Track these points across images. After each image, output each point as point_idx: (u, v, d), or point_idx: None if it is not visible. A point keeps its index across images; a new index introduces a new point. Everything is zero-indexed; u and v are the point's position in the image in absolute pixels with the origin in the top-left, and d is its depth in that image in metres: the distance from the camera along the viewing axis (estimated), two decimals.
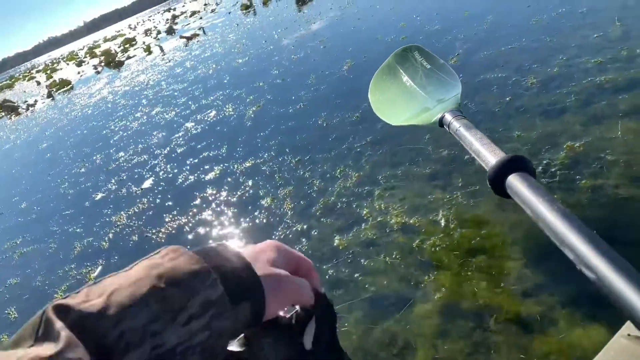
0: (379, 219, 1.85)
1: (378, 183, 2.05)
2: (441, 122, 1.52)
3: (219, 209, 2.38)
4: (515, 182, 1.03)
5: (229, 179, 2.62)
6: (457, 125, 1.42)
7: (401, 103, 1.84)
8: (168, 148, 3.55)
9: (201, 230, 2.27)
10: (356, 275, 1.62)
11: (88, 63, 17.06)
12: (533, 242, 1.46)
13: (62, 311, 0.30)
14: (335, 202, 2.05)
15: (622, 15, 2.45)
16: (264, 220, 2.13)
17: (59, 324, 0.29)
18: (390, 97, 1.91)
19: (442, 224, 1.69)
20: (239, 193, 2.44)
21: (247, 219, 2.19)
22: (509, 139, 1.95)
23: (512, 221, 1.59)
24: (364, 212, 1.91)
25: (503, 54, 2.59)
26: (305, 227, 1.98)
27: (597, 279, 0.71)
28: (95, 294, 0.32)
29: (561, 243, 0.82)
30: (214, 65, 6.03)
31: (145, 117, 4.94)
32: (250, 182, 2.49)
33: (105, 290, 0.33)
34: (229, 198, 2.43)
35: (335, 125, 2.72)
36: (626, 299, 0.65)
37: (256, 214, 2.20)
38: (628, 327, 0.73)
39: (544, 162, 1.77)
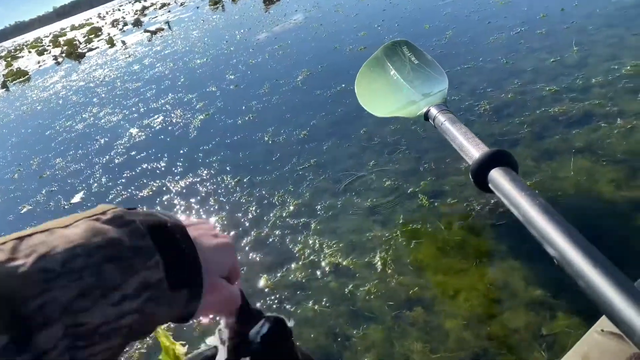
0: (311, 258, 1.66)
1: (316, 214, 1.87)
2: (426, 116, 1.50)
3: None
4: (497, 176, 1.02)
5: (163, 198, 2.39)
6: (442, 119, 1.40)
7: (387, 95, 1.81)
8: (107, 156, 3.28)
9: None
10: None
11: (50, 52, 16.30)
12: (478, 297, 1.31)
13: None
14: (269, 234, 1.85)
15: (580, 39, 2.34)
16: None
17: None
18: (376, 89, 1.88)
19: (379, 268, 1.53)
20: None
21: None
22: (456, 171, 1.80)
23: (456, 269, 1.44)
24: (297, 248, 1.73)
25: (458, 74, 2.45)
26: None
27: (574, 272, 0.72)
28: (23, 253, 0.28)
29: (541, 237, 0.81)
30: (171, 65, 5.74)
31: (92, 119, 4.62)
32: (183, 204, 2.28)
33: (35, 249, 0.28)
34: None
35: (281, 143, 2.52)
36: (602, 294, 0.65)
37: None
38: (601, 323, 0.73)
39: (492, 201, 1.62)
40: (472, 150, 1.19)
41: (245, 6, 9.04)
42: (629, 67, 1.98)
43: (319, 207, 1.90)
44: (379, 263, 1.53)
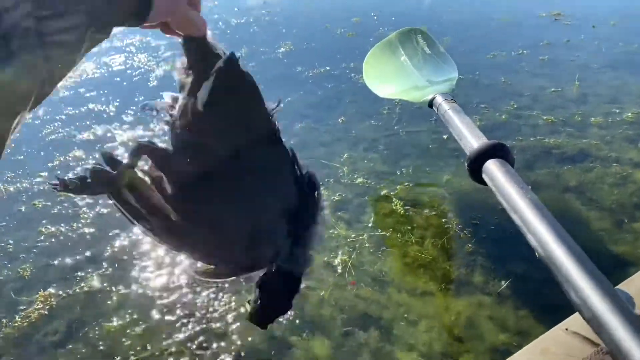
0: None
1: None
2: (431, 103, 1.53)
3: None
4: (492, 167, 1.05)
5: (105, 147, 2.14)
6: (445, 107, 1.43)
7: (394, 78, 1.83)
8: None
9: (42, 204, 1.78)
10: (225, 328, 1.27)
11: None
12: (440, 330, 1.18)
13: None
14: None
15: (583, 75, 2.28)
16: None
17: None
18: (384, 70, 1.89)
19: (338, 271, 1.38)
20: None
21: (103, 202, 1.74)
22: (437, 182, 1.68)
23: (421, 290, 1.31)
24: None
25: None
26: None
27: (554, 266, 0.75)
28: None
29: (527, 230, 0.84)
30: None
31: None
32: (125, 157, 2.03)
33: None
34: None
35: None
36: (578, 289, 0.67)
37: None
38: (567, 323, 0.77)
39: (472, 222, 1.51)
40: (472, 140, 1.21)
41: None
42: (630, 114, 1.93)
43: None
44: (339, 266, 1.38)
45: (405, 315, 1.23)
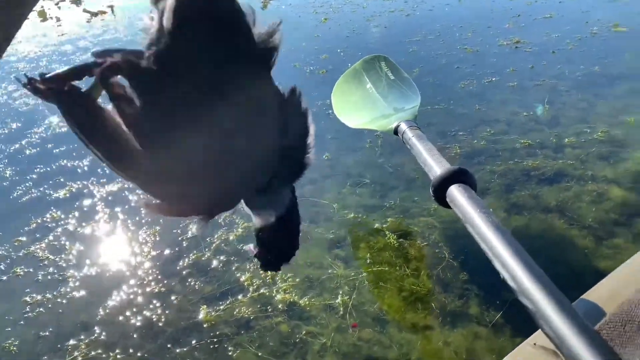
0: (261, 291, 1.52)
1: None
2: (396, 131, 1.60)
3: (58, 242, 1.88)
4: (455, 192, 1.10)
5: (83, 203, 2.13)
6: (410, 135, 1.50)
7: (362, 107, 1.89)
8: (17, 145, 2.92)
9: (23, 271, 1.76)
10: None
11: None
12: None
13: None
14: (212, 258, 1.68)
15: (551, 98, 2.44)
16: (111, 269, 1.69)
17: None
18: (352, 100, 1.96)
19: (339, 313, 1.41)
20: (90, 224, 1.96)
21: (93, 260, 1.73)
22: (424, 212, 1.75)
23: (421, 325, 1.35)
24: (245, 277, 1.58)
25: (428, 114, 2.45)
26: (163, 288, 1.58)
27: (517, 288, 0.79)
28: None
29: (491, 253, 0.89)
30: None
31: (4, 97, 4.16)
32: (108, 212, 2.03)
33: None
34: (76, 228, 1.95)
35: None
36: (540, 309, 0.73)
37: (103, 259, 1.75)
38: (535, 338, 0.80)
39: (465, 250, 1.58)
40: (435, 166, 1.26)
41: None
42: (600, 133, 2.07)
43: None
44: (340, 308, 1.42)
45: (408, 355, 1.26)
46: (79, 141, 0.79)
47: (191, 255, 1.71)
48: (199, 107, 0.77)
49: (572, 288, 1.11)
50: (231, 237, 1.77)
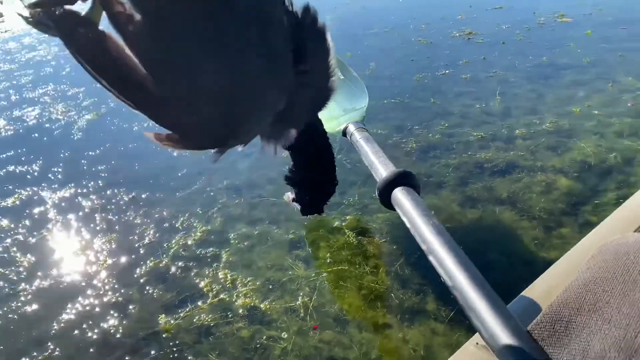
0: (221, 297, 1.51)
1: (228, 244, 1.72)
2: (344, 132, 1.61)
3: (7, 253, 1.81)
4: (399, 195, 1.14)
5: (34, 211, 2.05)
6: (358, 137, 1.52)
7: None
8: None
9: None
10: None
11: None
12: None
13: None
14: (170, 265, 1.66)
15: (503, 89, 2.51)
16: (66, 279, 1.64)
17: None
18: None
19: (300, 315, 1.42)
20: (41, 233, 1.90)
21: (46, 271, 1.68)
22: (383, 208, 1.78)
23: (380, 324, 1.38)
24: (204, 283, 1.56)
25: (384, 108, 2.48)
26: (120, 297, 1.55)
27: (454, 287, 0.83)
28: None
29: (429, 252, 0.95)
30: (56, 49, 5.17)
31: None
32: (60, 219, 1.97)
33: None
34: (27, 238, 1.88)
35: (188, 158, 2.33)
36: (475, 309, 0.76)
37: (56, 269, 1.70)
38: (477, 337, 0.80)
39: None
40: (380, 168, 1.31)
41: None
42: (548, 124, 2.15)
43: (231, 235, 1.75)
44: (301, 310, 1.43)
45: (368, 354, 1.28)
46: (84, 71, 0.75)
47: (148, 262, 1.68)
48: (205, 20, 0.71)
49: (524, 280, 1.16)
50: (189, 242, 1.75)
